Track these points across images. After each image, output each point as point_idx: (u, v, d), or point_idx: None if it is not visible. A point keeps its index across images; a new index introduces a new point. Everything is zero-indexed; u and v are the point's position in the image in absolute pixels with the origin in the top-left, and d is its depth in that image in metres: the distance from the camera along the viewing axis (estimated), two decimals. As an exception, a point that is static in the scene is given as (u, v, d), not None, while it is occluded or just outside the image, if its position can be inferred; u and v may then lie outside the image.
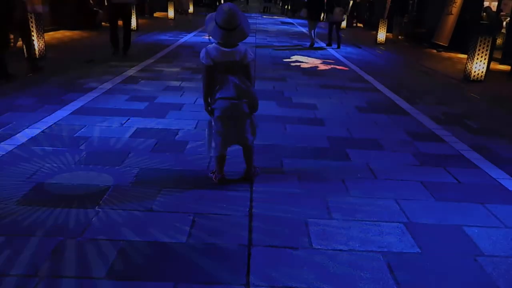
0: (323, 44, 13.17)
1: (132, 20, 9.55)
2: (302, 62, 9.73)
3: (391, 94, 6.84)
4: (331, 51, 12.01)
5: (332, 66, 9.41)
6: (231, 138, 3.25)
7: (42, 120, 4.54)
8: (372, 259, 2.46)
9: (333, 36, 12.67)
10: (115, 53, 8.93)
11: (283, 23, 22.88)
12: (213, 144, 3.25)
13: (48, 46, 8.34)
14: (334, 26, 12.59)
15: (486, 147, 4.47)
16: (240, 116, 3.18)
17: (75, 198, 2.96)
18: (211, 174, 3.37)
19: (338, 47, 12.47)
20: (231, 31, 2.97)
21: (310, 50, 12.01)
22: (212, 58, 3.00)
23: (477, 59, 7.86)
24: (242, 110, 3.15)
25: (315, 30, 12.77)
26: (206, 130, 3.32)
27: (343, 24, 19.45)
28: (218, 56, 3.00)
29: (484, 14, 11.98)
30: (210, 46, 3.07)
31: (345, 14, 12.34)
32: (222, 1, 25.69)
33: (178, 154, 3.87)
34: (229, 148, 3.33)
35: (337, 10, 12.23)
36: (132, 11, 9.38)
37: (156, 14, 22.08)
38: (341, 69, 9.13)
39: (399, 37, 14.90)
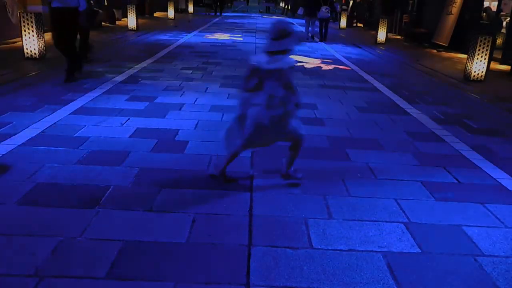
0: (319, 42, 13.96)
1: (85, 26, 7.06)
2: (303, 62, 9.73)
3: (391, 94, 6.84)
4: (331, 51, 12.03)
5: (335, 66, 9.41)
6: (260, 143, 3.24)
7: (42, 120, 4.54)
8: (372, 259, 2.46)
9: (310, 30, 14.82)
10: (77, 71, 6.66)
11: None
12: (233, 141, 3.22)
13: (48, 46, 8.33)
14: (324, 22, 14.22)
15: (486, 147, 4.47)
16: (277, 123, 3.10)
17: (75, 198, 2.96)
18: (214, 172, 3.36)
19: (325, 40, 14.24)
20: (276, 40, 2.97)
21: (310, 50, 12.02)
22: (258, 61, 3.00)
23: (477, 59, 7.86)
24: (279, 116, 3.08)
25: (313, 27, 14.59)
26: (230, 125, 3.26)
27: (343, 24, 19.64)
28: (265, 62, 2.99)
29: (484, 14, 11.98)
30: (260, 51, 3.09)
31: (330, 12, 14.44)
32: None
33: (178, 154, 3.87)
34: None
35: (323, 8, 13.99)
36: (82, 16, 6.39)
37: (156, 14, 22.09)
38: (343, 68, 9.14)
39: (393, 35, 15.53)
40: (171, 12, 19.91)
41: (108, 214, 2.78)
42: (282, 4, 39.95)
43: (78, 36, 7.34)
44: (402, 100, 6.46)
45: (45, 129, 4.30)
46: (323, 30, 14.30)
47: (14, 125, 4.34)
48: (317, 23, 14.75)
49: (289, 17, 27.57)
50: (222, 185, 3.27)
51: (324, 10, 13.98)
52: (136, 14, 14.12)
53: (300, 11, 14.70)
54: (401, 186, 3.43)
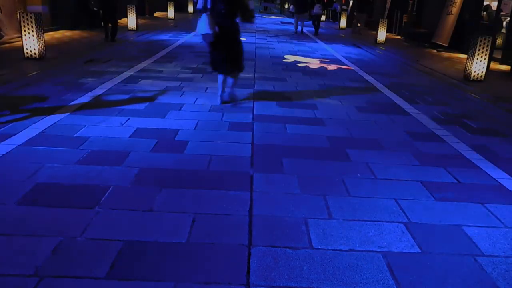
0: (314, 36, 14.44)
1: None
2: (305, 62, 9.73)
3: (391, 94, 6.84)
4: (330, 51, 12.03)
5: (338, 66, 9.41)
6: None
7: (42, 120, 4.54)
8: (372, 259, 2.46)
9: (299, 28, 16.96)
10: None
11: (283, 23, 22.90)
12: None
13: (48, 46, 8.33)
14: (317, 18, 16.52)
15: (486, 147, 4.47)
16: None
17: (75, 198, 2.96)
18: None
19: (316, 34, 16.46)
20: None
21: (310, 51, 12.02)
22: None
23: (477, 59, 7.85)
24: None
25: (302, 23, 16.74)
26: None
27: (343, 24, 19.69)
28: None
29: (484, 14, 11.97)
30: None
31: (323, 9, 17.42)
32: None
33: (178, 154, 3.87)
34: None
35: (316, 6, 16.30)
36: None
37: (156, 14, 22.09)
38: (345, 68, 9.14)
39: (359, 25, 17.75)
40: (171, 12, 19.90)
41: (108, 214, 2.78)
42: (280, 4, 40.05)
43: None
44: (402, 100, 6.47)
45: (45, 129, 4.30)
46: (318, 24, 16.65)
47: (14, 125, 4.34)
48: (307, 22, 17.14)
49: (288, 17, 27.57)
50: (222, 185, 3.27)
51: (317, 7, 16.31)
52: (136, 14, 14.11)
53: (292, 9, 16.85)
54: (401, 186, 3.43)
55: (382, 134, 4.74)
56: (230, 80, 5.66)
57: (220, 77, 5.55)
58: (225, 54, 5.36)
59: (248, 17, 5.47)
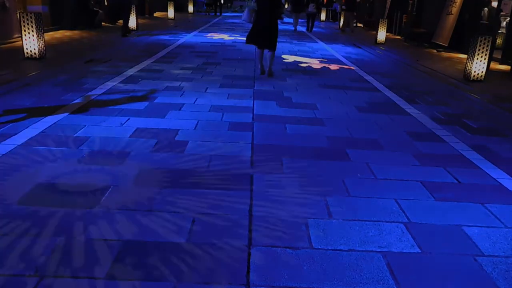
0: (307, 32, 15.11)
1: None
2: (306, 62, 9.72)
3: (391, 94, 6.84)
4: (330, 51, 12.03)
5: (339, 66, 9.41)
6: None
7: (42, 120, 4.54)
8: (372, 259, 2.46)
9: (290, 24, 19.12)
10: None
11: (283, 22, 22.89)
12: None
13: (48, 46, 8.33)
14: (311, 17, 18.13)
15: (486, 147, 4.47)
16: None
17: (75, 198, 2.96)
18: None
19: (310, 30, 18.08)
20: None
21: (310, 51, 12.03)
22: None
23: (477, 59, 7.85)
24: None
25: (298, 21, 18.48)
26: None
27: (342, 23, 19.78)
28: None
29: (484, 13, 11.97)
30: None
31: (316, 9, 18.78)
32: (222, 1, 25.67)
33: (178, 154, 3.87)
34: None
35: (310, 5, 18.03)
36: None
37: (156, 14, 22.10)
38: (347, 69, 9.13)
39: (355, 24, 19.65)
40: (171, 12, 19.91)
41: (108, 214, 2.78)
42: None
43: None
44: (402, 100, 6.46)
45: (45, 129, 4.30)
46: (310, 23, 18.20)
47: (14, 125, 4.34)
48: (301, 20, 18.77)
49: (287, 17, 27.57)
50: (222, 185, 3.27)
51: (311, 7, 18.00)
52: (136, 14, 14.12)
53: (289, 8, 18.61)
54: (401, 186, 3.43)
55: (382, 134, 4.74)
56: (267, 58, 7.61)
57: (257, 53, 7.81)
58: (258, 35, 7.54)
59: (279, 13, 7.89)
